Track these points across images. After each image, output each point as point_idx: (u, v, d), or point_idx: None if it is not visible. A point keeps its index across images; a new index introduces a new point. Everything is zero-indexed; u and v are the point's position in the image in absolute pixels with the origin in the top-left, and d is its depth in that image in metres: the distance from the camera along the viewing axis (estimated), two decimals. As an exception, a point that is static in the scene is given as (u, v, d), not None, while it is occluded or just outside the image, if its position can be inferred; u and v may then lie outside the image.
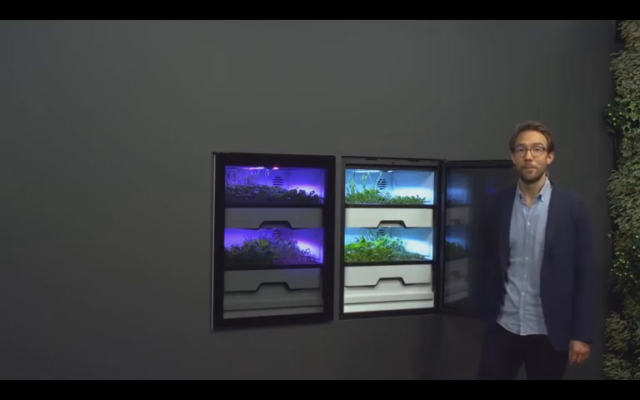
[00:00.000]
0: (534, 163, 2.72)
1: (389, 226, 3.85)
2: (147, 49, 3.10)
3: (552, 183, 2.81)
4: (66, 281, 2.97)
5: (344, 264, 3.55)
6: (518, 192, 2.83)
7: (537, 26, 3.96)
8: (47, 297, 2.94)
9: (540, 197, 2.76)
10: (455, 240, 3.75)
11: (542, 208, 2.75)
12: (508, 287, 2.81)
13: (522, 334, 2.76)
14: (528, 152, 2.73)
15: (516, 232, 2.79)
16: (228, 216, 3.26)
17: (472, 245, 3.62)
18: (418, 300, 3.76)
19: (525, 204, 2.79)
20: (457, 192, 3.73)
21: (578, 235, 2.72)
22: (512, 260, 2.80)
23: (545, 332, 2.72)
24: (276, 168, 3.62)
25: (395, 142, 3.63)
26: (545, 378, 2.73)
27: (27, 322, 2.92)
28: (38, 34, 2.90)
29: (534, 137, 2.75)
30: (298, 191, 3.54)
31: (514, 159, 2.81)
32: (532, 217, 2.76)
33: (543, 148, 2.74)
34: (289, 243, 3.63)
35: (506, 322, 2.82)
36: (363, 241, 3.89)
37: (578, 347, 2.69)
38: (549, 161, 2.78)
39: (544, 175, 2.79)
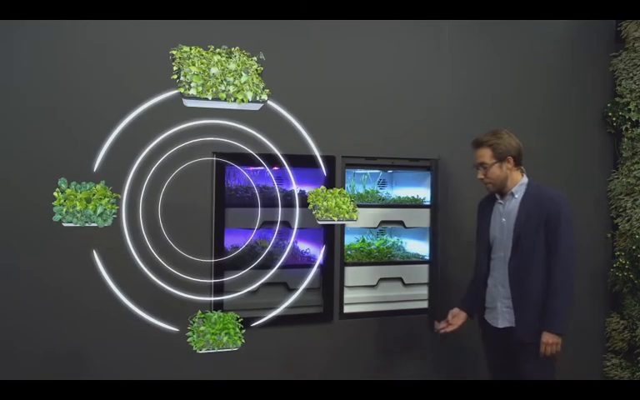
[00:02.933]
0: (486, 180, 2.83)
1: (389, 226, 3.85)
2: (147, 49, 3.10)
3: (529, 180, 2.83)
4: (66, 281, 2.97)
5: (344, 264, 3.56)
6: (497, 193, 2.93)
7: (537, 26, 3.96)
8: (47, 297, 2.94)
9: (513, 194, 2.82)
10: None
11: (515, 204, 2.81)
12: (490, 283, 2.91)
13: (499, 327, 2.84)
14: (479, 171, 2.84)
15: (494, 229, 2.89)
16: (228, 216, 3.26)
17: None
18: (418, 300, 3.77)
19: (501, 203, 2.88)
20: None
21: (548, 230, 2.70)
22: (492, 256, 2.90)
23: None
24: (276, 168, 3.61)
25: (395, 142, 3.63)
26: (528, 371, 2.75)
27: (27, 322, 2.92)
28: (38, 34, 2.90)
29: (478, 156, 2.83)
30: (298, 191, 3.54)
31: None
32: (506, 213, 2.84)
33: (489, 165, 2.79)
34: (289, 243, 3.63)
35: (488, 316, 2.92)
36: (363, 241, 3.89)
37: (546, 337, 2.68)
38: (508, 167, 2.79)
39: (519, 174, 2.82)
